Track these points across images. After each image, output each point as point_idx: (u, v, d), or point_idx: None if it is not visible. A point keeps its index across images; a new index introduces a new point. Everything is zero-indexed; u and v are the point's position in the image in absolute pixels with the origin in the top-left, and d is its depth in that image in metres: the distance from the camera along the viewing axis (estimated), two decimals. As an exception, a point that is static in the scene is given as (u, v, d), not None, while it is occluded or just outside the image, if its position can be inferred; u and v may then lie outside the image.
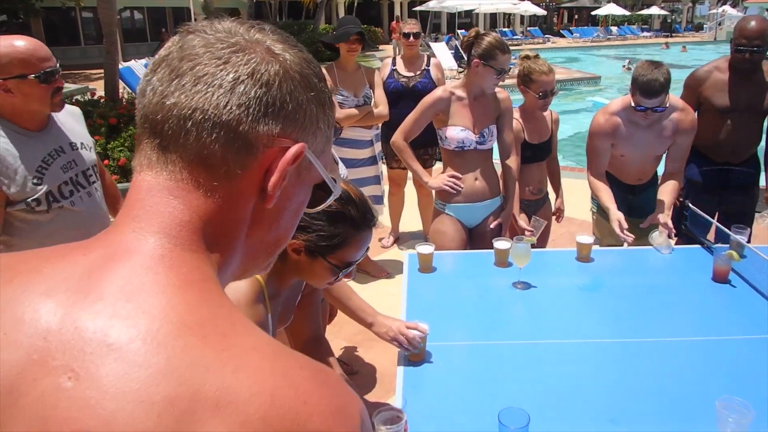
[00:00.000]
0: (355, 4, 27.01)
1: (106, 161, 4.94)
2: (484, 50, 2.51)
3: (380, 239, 4.44)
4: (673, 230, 2.56)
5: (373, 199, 3.86)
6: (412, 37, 3.91)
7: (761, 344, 1.80)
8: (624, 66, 17.30)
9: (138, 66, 9.10)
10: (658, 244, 2.51)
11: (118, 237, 0.50)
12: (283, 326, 1.51)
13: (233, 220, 0.53)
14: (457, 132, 2.60)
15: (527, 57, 2.89)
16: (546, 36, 32.16)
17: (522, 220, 2.87)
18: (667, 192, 2.68)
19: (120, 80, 7.47)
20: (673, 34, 36.61)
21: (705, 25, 44.43)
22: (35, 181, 1.84)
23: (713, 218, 3.25)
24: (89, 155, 2.05)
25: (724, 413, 1.37)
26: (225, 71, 0.51)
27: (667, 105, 2.56)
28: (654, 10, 38.84)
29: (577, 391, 1.61)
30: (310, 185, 0.60)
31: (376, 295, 3.21)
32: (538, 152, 2.98)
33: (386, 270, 3.93)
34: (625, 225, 2.51)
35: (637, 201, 2.96)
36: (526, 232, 2.83)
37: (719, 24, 33.55)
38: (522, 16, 35.71)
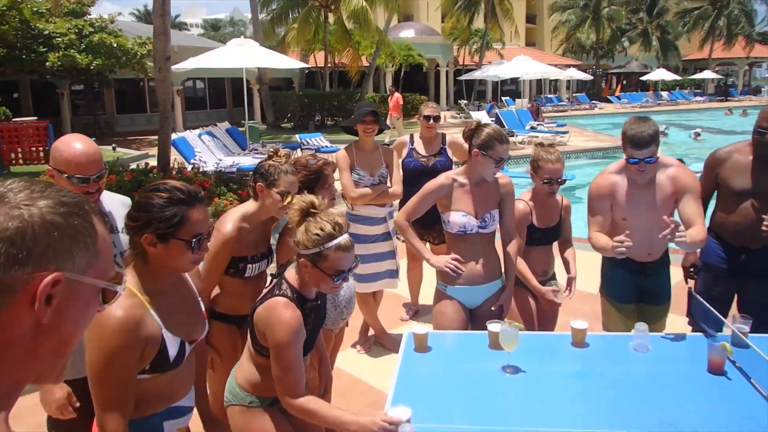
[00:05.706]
0: (402, 74, 27.97)
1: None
2: (483, 141, 2.68)
3: (402, 314, 4.54)
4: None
5: (389, 273, 3.96)
6: (432, 120, 4.14)
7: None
8: (691, 137, 18.18)
9: (192, 136, 9.76)
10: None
11: None
12: (201, 334, 1.72)
13: (4, 343, 0.64)
14: (459, 217, 2.73)
15: (541, 144, 3.02)
16: (593, 102, 32.26)
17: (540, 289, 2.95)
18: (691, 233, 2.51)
19: (175, 149, 8.09)
20: (728, 98, 35.99)
21: (763, 89, 43.54)
22: None
23: (730, 306, 3.18)
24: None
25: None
26: None
27: (658, 158, 2.62)
28: (707, 74, 38.37)
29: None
30: (89, 290, 0.70)
31: (390, 368, 3.28)
32: (545, 236, 3.06)
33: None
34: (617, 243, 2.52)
35: (649, 283, 2.90)
36: (552, 292, 2.91)
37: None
38: (568, 82, 36.07)
